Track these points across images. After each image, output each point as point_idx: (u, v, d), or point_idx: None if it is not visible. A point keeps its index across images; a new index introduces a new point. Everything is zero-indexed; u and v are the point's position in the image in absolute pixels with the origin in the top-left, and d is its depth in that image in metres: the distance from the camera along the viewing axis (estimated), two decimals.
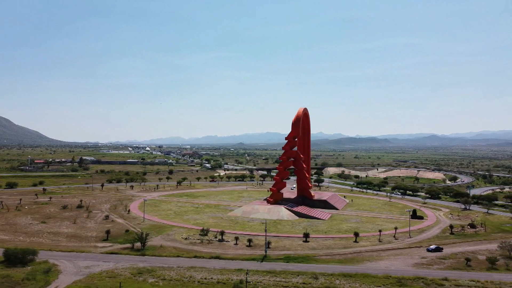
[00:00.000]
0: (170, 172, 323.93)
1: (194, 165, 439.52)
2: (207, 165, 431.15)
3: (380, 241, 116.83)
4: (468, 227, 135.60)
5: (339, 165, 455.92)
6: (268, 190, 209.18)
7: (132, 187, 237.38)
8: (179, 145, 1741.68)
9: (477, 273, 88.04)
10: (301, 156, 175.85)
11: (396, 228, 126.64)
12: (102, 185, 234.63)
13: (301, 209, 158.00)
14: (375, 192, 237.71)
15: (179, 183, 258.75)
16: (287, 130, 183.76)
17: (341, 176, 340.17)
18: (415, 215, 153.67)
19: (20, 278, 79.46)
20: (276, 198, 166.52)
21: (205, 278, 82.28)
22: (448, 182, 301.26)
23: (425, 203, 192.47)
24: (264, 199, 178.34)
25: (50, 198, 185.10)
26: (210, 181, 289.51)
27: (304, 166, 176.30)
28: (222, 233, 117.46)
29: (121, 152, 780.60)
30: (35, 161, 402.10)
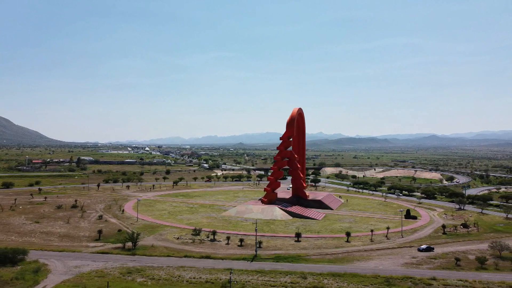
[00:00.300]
0: (167, 172, 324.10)
1: (192, 165, 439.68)
2: (205, 165, 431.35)
3: (372, 241, 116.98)
4: (461, 227, 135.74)
5: (337, 165, 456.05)
6: (264, 190, 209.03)
7: (128, 187, 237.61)
8: (178, 145, 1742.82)
9: (466, 273, 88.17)
10: (296, 156, 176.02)
11: (388, 228, 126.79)
12: (98, 185, 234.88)
13: (295, 209, 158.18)
14: (371, 192, 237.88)
15: (175, 183, 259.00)
16: None
17: (338, 176, 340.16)
18: (408, 215, 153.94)
19: (9, 278, 79.66)
20: (270, 198, 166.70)
21: (193, 278, 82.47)
22: (445, 182, 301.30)
23: (420, 203, 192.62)
24: (259, 199, 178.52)
25: (45, 198, 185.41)
26: (206, 181, 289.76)
27: (299, 166, 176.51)
28: (214, 233, 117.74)
29: (120, 152, 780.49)
30: (33, 161, 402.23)
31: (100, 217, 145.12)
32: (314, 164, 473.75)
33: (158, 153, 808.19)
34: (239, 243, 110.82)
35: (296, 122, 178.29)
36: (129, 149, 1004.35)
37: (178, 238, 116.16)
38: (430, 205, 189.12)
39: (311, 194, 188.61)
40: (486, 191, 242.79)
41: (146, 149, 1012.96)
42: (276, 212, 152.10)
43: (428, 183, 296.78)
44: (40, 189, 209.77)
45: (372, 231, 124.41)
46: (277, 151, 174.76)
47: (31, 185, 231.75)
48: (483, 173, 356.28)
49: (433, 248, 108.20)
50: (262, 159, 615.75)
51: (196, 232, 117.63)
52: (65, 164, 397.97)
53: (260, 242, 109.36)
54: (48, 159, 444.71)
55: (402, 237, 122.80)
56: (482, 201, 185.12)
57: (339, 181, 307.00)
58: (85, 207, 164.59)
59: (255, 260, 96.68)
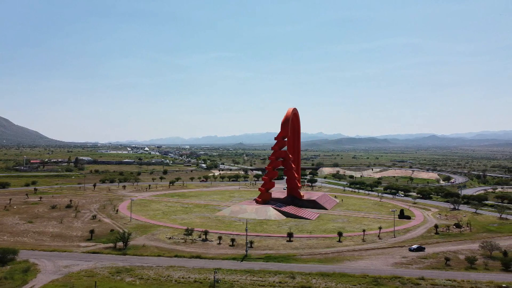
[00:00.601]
0: (164, 172, 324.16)
1: (190, 165, 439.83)
2: (203, 165, 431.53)
3: (363, 241, 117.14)
4: (454, 227, 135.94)
5: (335, 165, 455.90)
6: (258, 190, 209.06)
7: (124, 187, 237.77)
8: (178, 146, 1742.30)
9: (455, 273, 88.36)
10: (290, 156, 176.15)
11: (380, 228, 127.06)
12: (95, 185, 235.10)
13: (289, 209, 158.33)
14: (367, 192, 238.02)
15: (172, 183, 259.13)
16: None
17: (335, 176, 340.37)
18: (402, 215, 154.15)
19: None
20: (264, 198, 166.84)
21: (182, 277, 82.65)
22: (442, 182, 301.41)
23: (415, 203, 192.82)
24: (254, 199, 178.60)
25: (40, 198, 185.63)
26: (201, 181, 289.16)
27: (293, 166, 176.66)
28: (205, 232, 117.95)
29: (120, 152, 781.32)
30: (31, 161, 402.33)
31: (94, 217, 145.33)
32: (312, 164, 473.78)
33: (157, 153, 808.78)
34: (231, 243, 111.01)
35: (291, 122, 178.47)
36: (128, 149, 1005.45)
37: (170, 238, 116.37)
38: (425, 205, 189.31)
39: (306, 194, 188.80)
40: (482, 191, 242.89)
41: (145, 149, 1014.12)
42: (270, 212, 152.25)
43: (425, 183, 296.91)
44: (35, 189, 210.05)
45: (364, 231, 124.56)
46: None
47: (27, 185, 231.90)
48: (480, 173, 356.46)
49: (424, 248, 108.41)
50: (261, 159, 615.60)
51: (188, 232, 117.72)
52: (63, 164, 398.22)
53: (251, 242, 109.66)
54: (46, 159, 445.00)
55: (395, 237, 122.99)
56: (477, 201, 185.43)
57: (336, 181, 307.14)
58: (80, 207, 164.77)
59: (245, 260, 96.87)
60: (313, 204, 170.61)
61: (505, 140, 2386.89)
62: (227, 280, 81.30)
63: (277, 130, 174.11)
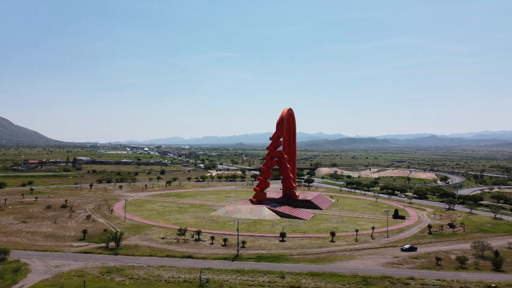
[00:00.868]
0: (162, 172, 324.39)
1: (188, 165, 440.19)
2: (201, 165, 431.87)
3: (356, 241, 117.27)
4: (447, 227, 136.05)
5: (333, 165, 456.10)
6: (253, 190, 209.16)
7: (121, 187, 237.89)
8: (178, 146, 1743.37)
9: (445, 272, 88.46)
10: (285, 156, 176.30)
11: (373, 228, 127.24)
12: (91, 185, 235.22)
13: (284, 209, 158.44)
14: (363, 192, 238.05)
15: (168, 183, 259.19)
16: None
17: (333, 176, 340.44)
18: (397, 215, 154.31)
19: None
20: (259, 198, 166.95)
21: (172, 277, 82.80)
22: (439, 182, 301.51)
23: (411, 203, 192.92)
24: (249, 199, 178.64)
25: (36, 198, 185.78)
26: (196, 181, 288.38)
27: (289, 166, 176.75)
28: (198, 232, 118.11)
29: (119, 152, 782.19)
30: (29, 161, 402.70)
31: (88, 217, 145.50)
32: (311, 164, 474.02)
33: (157, 153, 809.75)
34: (223, 243, 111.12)
35: (287, 123, 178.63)
36: (128, 149, 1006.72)
37: (163, 238, 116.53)
38: (421, 205, 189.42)
39: (302, 194, 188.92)
40: (479, 191, 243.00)
41: (145, 149, 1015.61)
42: (264, 212, 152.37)
43: (422, 183, 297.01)
44: (31, 189, 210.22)
45: (357, 231, 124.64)
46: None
47: (24, 185, 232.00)
48: (478, 173, 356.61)
49: (416, 248, 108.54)
50: (260, 159, 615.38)
51: (181, 232, 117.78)
52: (61, 164, 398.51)
53: (244, 242, 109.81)
54: (45, 159, 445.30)
55: (388, 237, 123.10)
56: (473, 201, 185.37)
57: (333, 181, 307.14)
58: (75, 207, 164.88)
59: (236, 259, 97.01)
60: (308, 204, 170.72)
61: (505, 140, 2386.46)
62: (216, 280, 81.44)
63: None
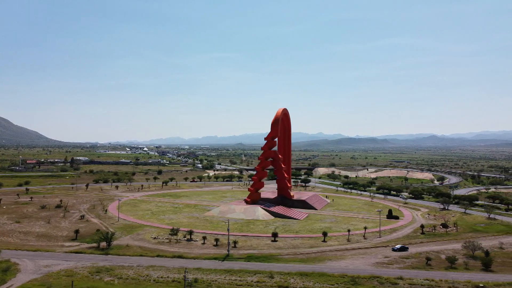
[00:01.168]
0: (159, 172, 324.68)
1: (186, 165, 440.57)
2: (199, 165, 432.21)
3: (348, 241, 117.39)
4: (440, 227, 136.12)
5: (331, 165, 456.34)
6: (248, 190, 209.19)
7: (117, 187, 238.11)
8: (178, 146, 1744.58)
9: (435, 272, 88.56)
10: (280, 156, 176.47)
11: (365, 228, 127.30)
12: (87, 185, 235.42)
13: (278, 209, 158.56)
14: (359, 192, 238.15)
15: (165, 183, 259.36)
16: None
17: (330, 176, 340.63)
18: (391, 215, 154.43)
19: None
20: (253, 198, 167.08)
21: (161, 277, 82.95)
22: (436, 182, 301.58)
23: (406, 203, 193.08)
24: (244, 199, 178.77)
25: (31, 198, 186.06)
26: (191, 181, 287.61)
27: (283, 166, 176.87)
28: (190, 232, 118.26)
29: (118, 152, 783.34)
30: (27, 161, 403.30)
31: (82, 217, 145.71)
32: (309, 164, 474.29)
33: (156, 153, 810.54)
34: (215, 243, 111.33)
35: (282, 123, 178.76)
36: (127, 149, 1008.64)
37: (155, 238, 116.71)
38: (416, 205, 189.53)
39: (297, 194, 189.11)
40: (475, 191, 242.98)
41: (144, 149, 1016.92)
42: (258, 212, 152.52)
43: (419, 183, 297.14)
44: (27, 189, 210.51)
45: (349, 231, 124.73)
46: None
47: (20, 185, 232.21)
48: (475, 173, 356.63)
49: (407, 248, 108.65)
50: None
51: (174, 232, 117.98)
52: (59, 164, 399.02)
53: (235, 242, 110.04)
54: (43, 159, 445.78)
55: (380, 237, 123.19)
56: (468, 201, 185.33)
57: (330, 181, 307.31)
58: (70, 207, 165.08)
59: (226, 259, 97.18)
60: (303, 204, 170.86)
61: (505, 140, 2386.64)
62: (205, 279, 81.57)
63: None
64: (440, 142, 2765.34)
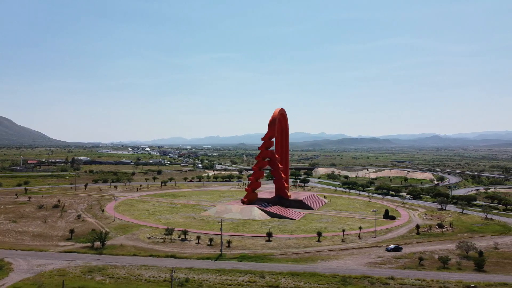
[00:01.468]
0: (159, 172, 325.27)
1: (187, 165, 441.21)
2: (199, 165, 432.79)
3: (343, 241, 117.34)
4: (436, 227, 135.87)
5: (332, 165, 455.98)
6: (245, 190, 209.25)
7: (116, 187, 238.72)
8: (180, 146, 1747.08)
9: (426, 272, 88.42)
10: (277, 156, 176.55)
11: (360, 228, 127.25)
12: (86, 185, 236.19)
13: (274, 209, 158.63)
14: (358, 192, 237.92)
15: (164, 183, 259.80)
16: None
17: (330, 176, 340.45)
18: (387, 215, 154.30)
19: None
20: (250, 198, 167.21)
21: (153, 277, 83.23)
22: (435, 182, 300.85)
23: (404, 203, 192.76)
24: (241, 199, 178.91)
25: (29, 198, 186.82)
26: (189, 181, 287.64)
27: (280, 166, 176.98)
28: (185, 232, 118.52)
29: (120, 152, 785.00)
30: (28, 161, 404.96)
31: (79, 216, 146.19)
32: (309, 164, 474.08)
33: (158, 153, 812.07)
34: (209, 243, 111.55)
35: (279, 123, 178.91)
36: (129, 149, 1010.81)
37: (149, 238, 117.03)
38: (414, 205, 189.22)
39: (294, 194, 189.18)
40: (474, 192, 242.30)
41: (146, 149, 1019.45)
42: (255, 212, 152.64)
43: (419, 183, 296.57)
44: (26, 189, 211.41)
45: (343, 231, 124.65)
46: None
47: (19, 185, 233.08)
48: (475, 173, 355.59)
49: (401, 248, 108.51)
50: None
51: (168, 231, 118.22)
52: (60, 164, 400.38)
53: (229, 242, 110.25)
54: (44, 159, 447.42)
55: (375, 237, 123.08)
56: (466, 201, 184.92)
57: (329, 181, 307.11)
58: (67, 207, 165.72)
59: (219, 259, 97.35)
60: (300, 204, 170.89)
61: (507, 140, 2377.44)
62: (196, 279, 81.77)
63: None
64: (442, 142, 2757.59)
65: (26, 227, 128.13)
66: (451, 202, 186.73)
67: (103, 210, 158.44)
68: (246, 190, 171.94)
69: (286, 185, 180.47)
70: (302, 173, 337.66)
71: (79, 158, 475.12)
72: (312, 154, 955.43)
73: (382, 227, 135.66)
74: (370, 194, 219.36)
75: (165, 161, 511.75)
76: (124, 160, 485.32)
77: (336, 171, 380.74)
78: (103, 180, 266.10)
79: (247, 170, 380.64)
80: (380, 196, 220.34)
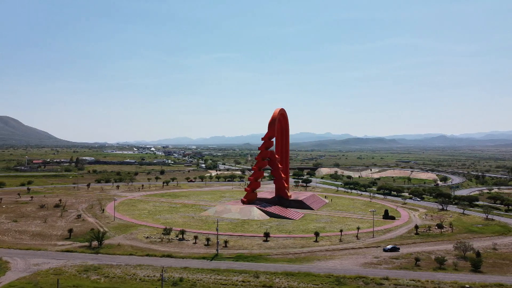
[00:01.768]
0: (161, 172, 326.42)
1: (190, 165, 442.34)
2: (203, 165, 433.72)
3: (340, 241, 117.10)
4: (436, 227, 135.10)
5: (335, 165, 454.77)
6: (244, 190, 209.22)
7: (118, 187, 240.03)
8: (185, 146, 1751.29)
9: (422, 273, 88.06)
10: (277, 156, 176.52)
11: (358, 228, 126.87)
12: (88, 185, 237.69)
13: (274, 209, 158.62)
14: (359, 192, 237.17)
15: (165, 183, 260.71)
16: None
17: (332, 176, 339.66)
18: (387, 215, 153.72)
19: None
20: (250, 198, 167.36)
21: (147, 276, 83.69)
22: (438, 182, 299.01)
23: (405, 203, 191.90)
24: (241, 199, 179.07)
25: (32, 197, 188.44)
26: (189, 181, 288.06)
27: (280, 166, 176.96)
28: (182, 232, 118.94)
29: (125, 152, 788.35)
30: (33, 161, 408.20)
31: (79, 216, 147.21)
32: (313, 165, 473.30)
33: (162, 153, 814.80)
34: (206, 243, 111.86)
35: (279, 123, 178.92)
36: (134, 149, 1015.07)
37: (147, 238, 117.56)
38: (414, 205, 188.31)
39: (294, 194, 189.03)
40: (477, 192, 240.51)
41: (151, 149, 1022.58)
42: (254, 212, 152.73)
43: (422, 183, 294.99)
44: (28, 189, 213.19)
45: (341, 231, 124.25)
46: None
47: (23, 185, 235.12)
48: (479, 174, 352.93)
49: (398, 248, 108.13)
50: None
51: (166, 231, 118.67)
52: (64, 164, 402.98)
53: (226, 242, 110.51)
54: (49, 159, 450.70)
55: (373, 237, 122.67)
56: (468, 201, 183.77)
57: (332, 182, 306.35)
58: (68, 206, 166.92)
59: (215, 259, 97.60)
60: (299, 204, 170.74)
61: None
62: (191, 278, 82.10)
63: None
64: (449, 142, 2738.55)
65: (26, 227, 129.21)
66: (453, 202, 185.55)
67: (103, 210, 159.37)
68: (245, 190, 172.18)
69: (286, 185, 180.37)
70: (305, 173, 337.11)
71: (84, 158, 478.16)
72: (317, 154, 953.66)
73: (381, 227, 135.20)
74: (371, 194, 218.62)
75: (169, 161, 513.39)
76: (128, 160, 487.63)
77: (339, 171, 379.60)
78: (106, 180, 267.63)
79: (250, 170, 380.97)
80: (382, 196, 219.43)
